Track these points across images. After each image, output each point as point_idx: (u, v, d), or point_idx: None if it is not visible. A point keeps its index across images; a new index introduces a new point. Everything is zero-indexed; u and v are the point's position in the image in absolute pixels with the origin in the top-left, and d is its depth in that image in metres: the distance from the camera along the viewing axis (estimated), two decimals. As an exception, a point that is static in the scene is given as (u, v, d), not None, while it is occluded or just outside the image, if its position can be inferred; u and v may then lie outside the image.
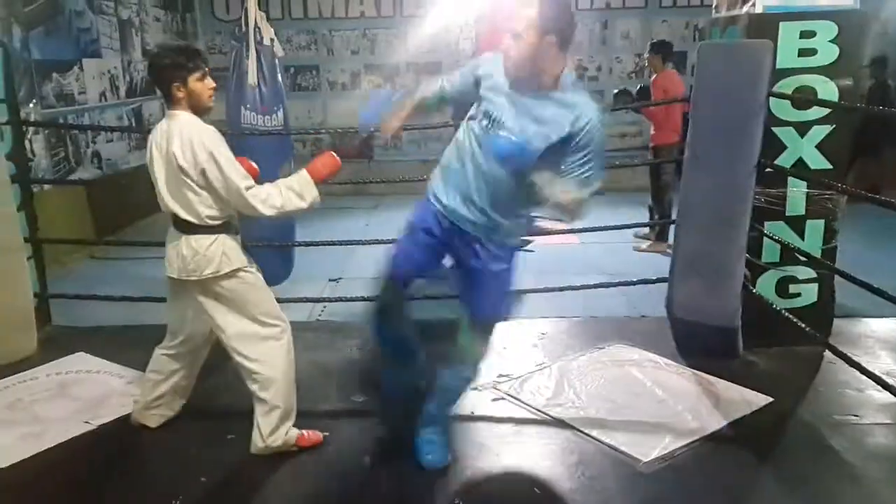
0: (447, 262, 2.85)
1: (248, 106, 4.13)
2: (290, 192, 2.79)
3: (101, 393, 3.60)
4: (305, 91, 10.17)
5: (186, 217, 2.79)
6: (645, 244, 6.40)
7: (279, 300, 4.29)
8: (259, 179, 2.85)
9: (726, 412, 3.32)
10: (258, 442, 2.98)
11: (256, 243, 4.24)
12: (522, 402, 3.46)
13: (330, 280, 5.67)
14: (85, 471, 3.02)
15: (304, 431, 3.08)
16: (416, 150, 10.23)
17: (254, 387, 2.94)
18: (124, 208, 7.19)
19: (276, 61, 4.24)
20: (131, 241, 6.27)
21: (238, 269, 2.87)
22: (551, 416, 3.33)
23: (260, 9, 4.18)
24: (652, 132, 6.42)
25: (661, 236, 6.26)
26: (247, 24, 4.08)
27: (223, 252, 2.82)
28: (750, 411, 3.34)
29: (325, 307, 4.95)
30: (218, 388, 3.52)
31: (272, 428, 2.96)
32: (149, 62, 2.91)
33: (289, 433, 3.01)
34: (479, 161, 2.59)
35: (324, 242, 4.66)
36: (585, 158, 2.49)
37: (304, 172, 2.83)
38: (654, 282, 4.40)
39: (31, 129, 5.80)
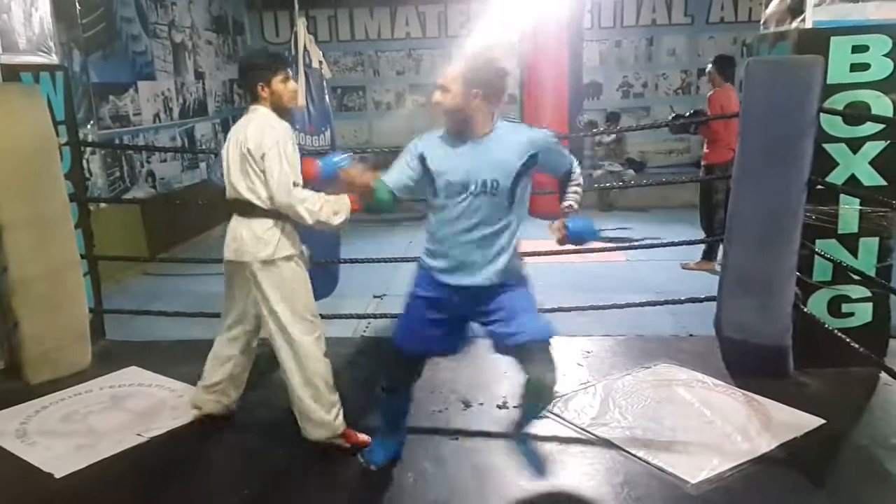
0: (460, 324, 2.86)
1: (296, 127, 4.20)
2: (329, 206, 2.94)
3: (152, 406, 3.68)
4: (352, 111, 10.34)
5: (249, 198, 2.97)
6: (693, 262, 6.31)
7: (324, 316, 4.37)
8: (313, 186, 3.02)
9: (777, 434, 3.24)
10: (311, 430, 3.12)
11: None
12: (567, 421, 3.43)
13: (374, 296, 5.71)
14: (137, 482, 3.10)
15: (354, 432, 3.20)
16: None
17: (294, 379, 3.08)
18: (177, 226, 7.37)
19: (324, 83, 4.32)
20: (183, 258, 6.41)
21: (293, 256, 3.03)
22: (596, 436, 3.30)
23: (308, 32, 4.27)
24: (705, 150, 6.28)
25: (708, 255, 6.17)
26: (296, 48, 4.17)
27: (280, 237, 3.00)
28: (802, 433, 3.26)
29: (369, 323, 4.99)
30: (260, 403, 3.59)
31: (320, 415, 3.11)
32: (238, 64, 3.24)
33: (338, 419, 3.14)
34: (464, 225, 2.66)
35: (368, 259, 4.71)
36: (561, 155, 2.76)
37: (345, 198, 2.98)
38: (702, 300, 4.33)
39: (88, 149, 5.99)
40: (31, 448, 3.31)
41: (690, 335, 4.55)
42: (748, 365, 3.80)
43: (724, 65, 6.31)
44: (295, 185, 2.90)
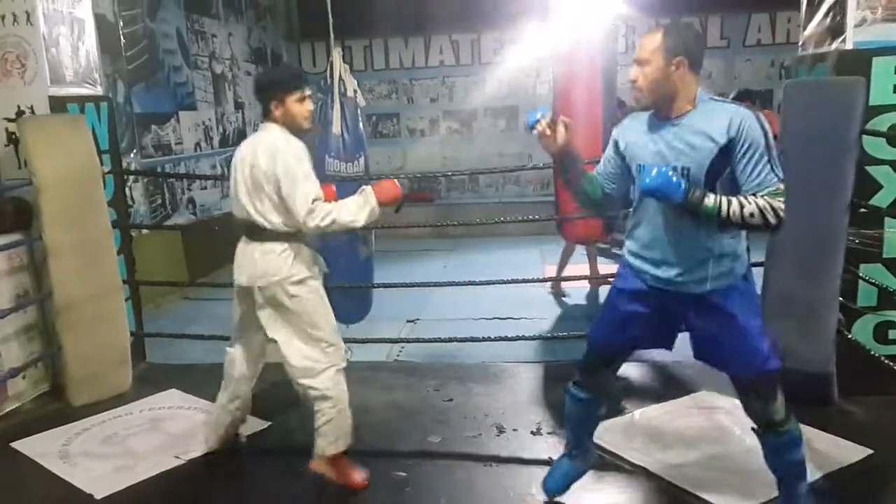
0: (668, 332, 2.64)
1: (332, 154, 4.27)
2: (345, 215, 2.82)
3: (190, 428, 3.72)
4: (386, 138, 10.44)
5: (261, 222, 2.87)
6: None
7: (357, 341, 4.39)
8: None
9: (821, 463, 3.15)
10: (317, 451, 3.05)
11: (336, 284, 4.37)
12: (604, 449, 3.38)
13: (408, 321, 5.72)
14: (173, 503, 3.13)
15: (357, 471, 3.12)
16: (493, 192, 10.32)
17: (310, 393, 3.00)
18: (216, 251, 7.45)
19: (359, 111, 4.38)
20: (223, 283, 6.45)
21: (304, 279, 2.93)
22: (634, 464, 3.24)
23: (344, 61, 4.33)
24: None
25: None
26: (332, 77, 4.24)
27: (293, 260, 2.90)
28: (847, 463, 3.16)
29: (402, 348, 4.99)
30: (295, 427, 3.59)
31: (324, 442, 3.03)
32: (255, 79, 3.11)
33: (338, 442, 3.04)
34: (653, 215, 2.47)
35: (402, 284, 4.73)
36: (756, 160, 2.29)
37: (368, 190, 2.89)
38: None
39: (131, 177, 6.12)
40: (73, 469, 3.36)
41: (730, 361, 4.45)
42: (790, 392, 3.67)
43: (749, 97, 6.27)
44: (314, 201, 2.78)
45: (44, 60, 4.05)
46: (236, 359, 3.25)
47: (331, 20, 4.33)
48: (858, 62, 3.54)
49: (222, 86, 8.43)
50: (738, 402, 3.71)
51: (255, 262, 2.91)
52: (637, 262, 2.56)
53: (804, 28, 4.00)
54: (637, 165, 2.46)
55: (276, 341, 3.00)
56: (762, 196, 2.27)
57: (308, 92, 2.94)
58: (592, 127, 5.75)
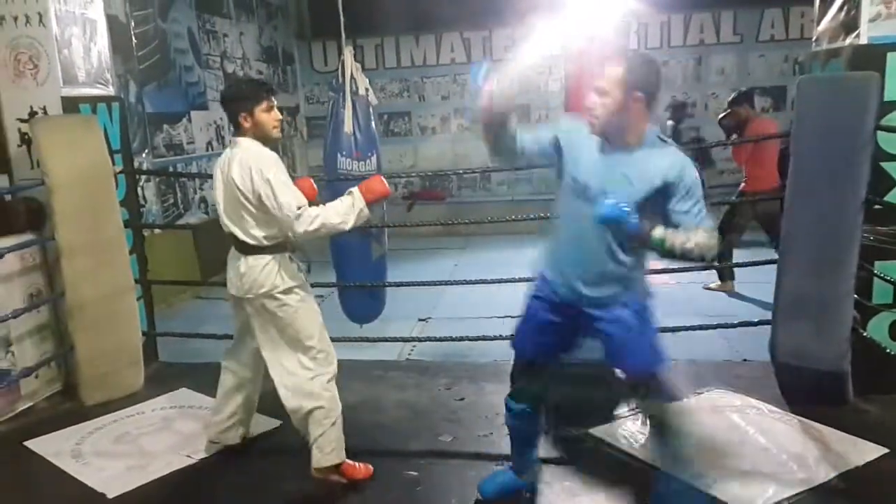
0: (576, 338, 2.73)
1: (343, 152, 4.26)
2: (333, 216, 2.86)
3: (202, 428, 3.72)
4: (398, 136, 10.45)
5: (244, 238, 2.93)
6: (714, 283, 6.24)
7: (368, 339, 4.39)
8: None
9: (836, 463, 3.13)
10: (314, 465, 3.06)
11: (350, 284, 4.38)
12: (616, 448, 3.37)
13: (419, 319, 5.72)
14: (185, 502, 3.14)
15: (357, 464, 3.15)
16: (504, 190, 10.31)
17: (290, 410, 3.04)
18: (228, 251, 7.50)
19: (371, 109, 4.38)
20: (233, 283, 6.50)
21: (291, 289, 2.97)
22: (647, 463, 3.22)
23: (356, 60, 4.33)
24: (743, 182, 6.06)
25: (725, 275, 6.12)
26: (343, 76, 4.23)
27: (277, 272, 2.94)
28: (862, 462, 3.13)
29: (414, 346, 4.99)
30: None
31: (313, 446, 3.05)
32: (223, 92, 3.14)
33: (333, 453, 3.06)
34: (568, 232, 2.58)
35: (413, 283, 4.72)
36: (693, 203, 2.41)
37: (356, 191, 2.92)
38: (755, 324, 4.21)
39: (143, 176, 6.15)
40: (85, 468, 3.38)
41: (745, 360, 4.43)
42: (805, 391, 3.68)
43: (748, 99, 6.22)
44: (299, 208, 2.81)
45: (56, 61, 4.07)
46: (230, 371, 3.33)
47: (342, 19, 4.33)
48: (873, 57, 3.50)
49: (234, 85, 8.46)
50: (750, 400, 3.74)
51: (241, 275, 2.98)
52: (550, 274, 2.65)
53: (818, 23, 3.96)
54: (590, 191, 2.47)
55: (262, 343, 3.07)
56: (699, 233, 2.37)
57: (274, 101, 2.98)
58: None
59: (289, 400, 3.03)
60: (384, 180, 3.00)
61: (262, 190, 2.81)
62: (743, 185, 6.05)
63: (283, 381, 3.02)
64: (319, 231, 2.84)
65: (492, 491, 2.95)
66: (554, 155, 2.63)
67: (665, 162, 2.41)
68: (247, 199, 2.86)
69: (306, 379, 2.99)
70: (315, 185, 3.15)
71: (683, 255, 2.38)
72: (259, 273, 2.94)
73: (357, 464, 3.15)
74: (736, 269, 5.98)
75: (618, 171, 2.44)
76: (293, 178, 2.98)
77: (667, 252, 2.38)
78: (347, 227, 2.89)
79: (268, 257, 2.95)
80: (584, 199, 2.47)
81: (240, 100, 2.93)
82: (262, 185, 2.81)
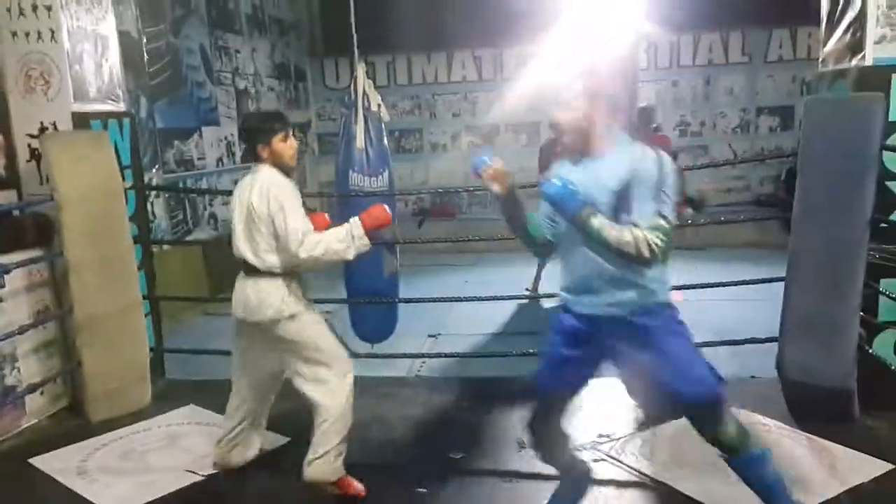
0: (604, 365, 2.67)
1: (355, 168, 4.28)
2: (334, 243, 2.96)
3: (209, 444, 3.72)
4: (409, 153, 10.49)
5: (253, 262, 3.01)
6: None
7: (378, 356, 4.39)
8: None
9: (843, 479, 3.12)
10: (306, 468, 3.07)
11: (363, 300, 4.38)
12: (624, 464, 3.35)
13: (429, 336, 5.71)
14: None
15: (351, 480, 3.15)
16: (515, 208, 10.27)
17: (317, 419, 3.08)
18: (237, 267, 7.52)
19: (382, 126, 4.40)
20: (241, 298, 6.51)
21: (298, 314, 3.03)
22: (654, 479, 3.21)
23: (368, 77, 4.36)
24: None
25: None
26: (356, 92, 4.26)
27: (283, 297, 3.01)
28: (869, 479, 3.12)
29: (423, 363, 4.98)
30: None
31: (320, 458, 3.06)
32: (241, 126, 3.26)
33: (335, 466, 3.08)
34: (574, 248, 2.53)
35: (424, 299, 4.72)
36: (642, 195, 2.38)
37: (356, 222, 3.00)
38: (762, 341, 4.19)
39: (152, 192, 6.18)
40: (91, 485, 3.38)
41: (752, 377, 4.41)
42: (812, 408, 3.66)
43: (647, 115, 6.27)
44: (304, 234, 2.91)
45: (67, 77, 4.11)
46: (237, 403, 3.33)
47: (354, 36, 4.36)
48: (878, 78, 3.51)
49: (245, 101, 8.52)
50: (758, 416, 3.72)
51: (248, 298, 3.04)
52: (567, 296, 2.62)
53: (824, 44, 3.97)
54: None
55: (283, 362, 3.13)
56: (641, 228, 2.34)
57: (290, 130, 3.10)
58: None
59: (323, 410, 3.06)
60: (387, 208, 3.07)
61: (276, 216, 2.92)
62: None
63: (312, 392, 3.07)
64: (322, 258, 2.94)
65: None
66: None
67: (626, 163, 2.41)
68: (262, 222, 2.95)
69: (323, 390, 3.05)
70: (329, 219, 3.22)
71: (620, 251, 2.36)
72: (267, 297, 3.00)
73: (352, 480, 3.16)
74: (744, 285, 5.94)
75: (589, 178, 2.46)
76: (309, 211, 3.07)
77: (604, 244, 2.37)
78: (350, 255, 2.98)
79: (275, 282, 3.01)
80: None
81: (257, 132, 3.06)
82: (277, 211, 2.92)
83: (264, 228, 2.96)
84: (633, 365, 2.58)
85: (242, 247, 3.04)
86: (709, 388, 2.50)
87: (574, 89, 2.49)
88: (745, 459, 2.56)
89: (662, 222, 2.37)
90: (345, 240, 2.97)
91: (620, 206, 2.40)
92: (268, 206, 2.93)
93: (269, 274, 3.01)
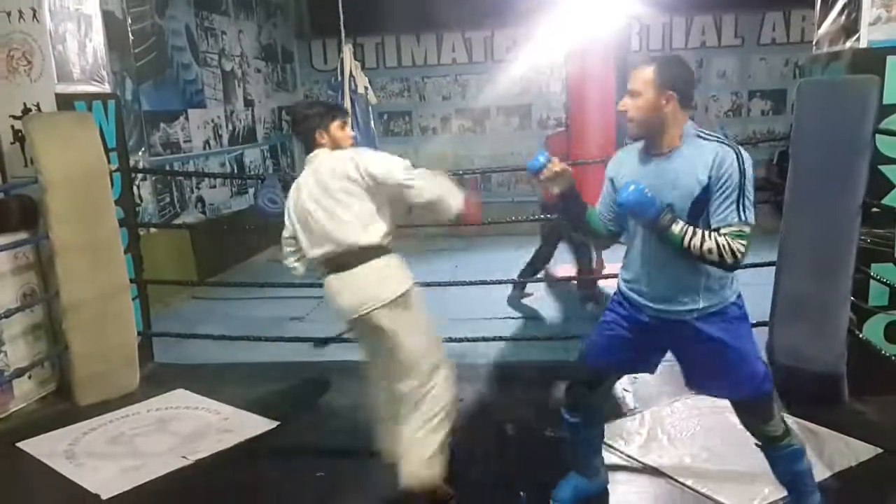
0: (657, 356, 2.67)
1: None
2: (450, 185, 2.87)
3: (198, 429, 3.71)
4: (398, 136, 10.41)
5: (367, 241, 2.82)
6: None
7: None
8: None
9: (831, 463, 3.14)
10: (416, 470, 2.85)
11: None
12: (614, 449, 3.35)
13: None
14: (180, 503, 3.10)
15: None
16: (505, 191, 10.27)
17: (423, 408, 2.87)
18: (225, 251, 7.48)
19: (370, 108, 4.37)
20: (232, 283, 6.50)
21: (408, 291, 2.90)
22: (644, 464, 3.22)
23: (356, 59, 4.32)
24: None
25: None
26: (342, 74, 4.22)
27: (401, 269, 2.91)
28: (856, 462, 3.15)
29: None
30: (307, 426, 3.58)
31: (431, 456, 2.86)
32: (294, 112, 3.17)
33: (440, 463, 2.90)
34: (641, 245, 2.50)
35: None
36: (725, 196, 2.30)
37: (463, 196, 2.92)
38: (753, 325, 4.17)
39: (139, 175, 6.12)
40: (79, 469, 3.36)
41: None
42: (801, 392, 3.66)
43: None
44: (406, 168, 2.82)
45: (50, 57, 4.04)
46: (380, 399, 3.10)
47: (342, 17, 4.32)
48: (873, 61, 3.49)
49: (232, 83, 8.42)
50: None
51: (364, 288, 2.84)
52: (628, 291, 2.58)
53: (818, 27, 3.95)
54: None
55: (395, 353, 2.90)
56: (724, 235, 2.28)
57: (347, 118, 3.06)
58: (606, 124, 5.72)
59: (423, 394, 2.88)
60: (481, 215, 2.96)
61: (371, 166, 2.81)
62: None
63: (412, 386, 2.88)
64: (435, 189, 2.82)
65: (567, 497, 2.88)
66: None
67: (708, 158, 2.32)
68: (360, 185, 2.82)
69: (439, 381, 2.92)
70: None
71: (703, 258, 2.30)
72: (383, 274, 2.85)
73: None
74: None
75: (660, 177, 2.38)
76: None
77: (686, 252, 2.30)
78: (454, 209, 2.86)
79: (388, 258, 2.88)
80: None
81: (316, 117, 2.99)
82: (369, 162, 2.82)
83: (362, 190, 2.81)
84: (691, 358, 2.57)
85: (342, 234, 2.83)
86: (763, 386, 2.51)
87: (644, 77, 2.37)
88: (783, 452, 2.59)
89: (746, 229, 2.30)
90: (454, 189, 2.87)
91: (700, 208, 2.33)
92: (357, 166, 2.81)
93: (381, 251, 2.84)
